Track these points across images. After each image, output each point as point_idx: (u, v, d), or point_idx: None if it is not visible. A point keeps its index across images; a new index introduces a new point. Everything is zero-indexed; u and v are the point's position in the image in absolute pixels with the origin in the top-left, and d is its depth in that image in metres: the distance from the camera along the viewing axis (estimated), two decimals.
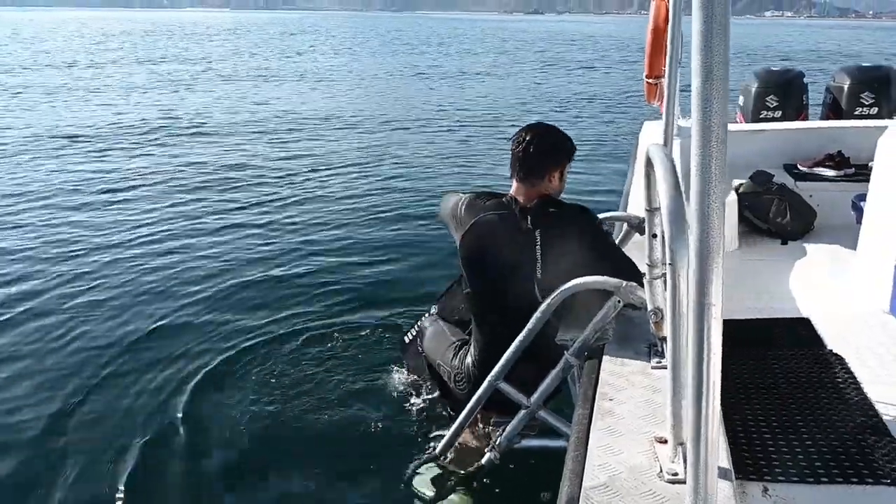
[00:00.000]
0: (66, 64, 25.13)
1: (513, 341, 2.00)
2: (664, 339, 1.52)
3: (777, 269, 3.19)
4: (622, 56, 31.87)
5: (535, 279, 2.20)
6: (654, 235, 1.44)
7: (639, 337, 1.61)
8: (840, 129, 4.23)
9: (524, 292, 2.17)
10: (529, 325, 1.81)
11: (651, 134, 4.29)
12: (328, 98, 16.69)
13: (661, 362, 1.52)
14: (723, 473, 1.12)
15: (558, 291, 1.75)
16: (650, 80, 3.85)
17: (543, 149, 2.34)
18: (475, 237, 2.31)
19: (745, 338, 2.44)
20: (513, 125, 10.90)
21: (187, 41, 43.44)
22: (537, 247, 2.21)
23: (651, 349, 1.55)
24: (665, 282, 1.51)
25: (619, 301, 1.66)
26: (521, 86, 19.81)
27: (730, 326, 2.51)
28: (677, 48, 3.85)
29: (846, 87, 5.18)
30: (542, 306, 1.79)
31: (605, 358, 1.57)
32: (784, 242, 3.61)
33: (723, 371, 2.14)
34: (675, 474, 1.19)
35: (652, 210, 1.42)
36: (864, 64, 5.40)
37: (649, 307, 1.51)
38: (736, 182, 3.82)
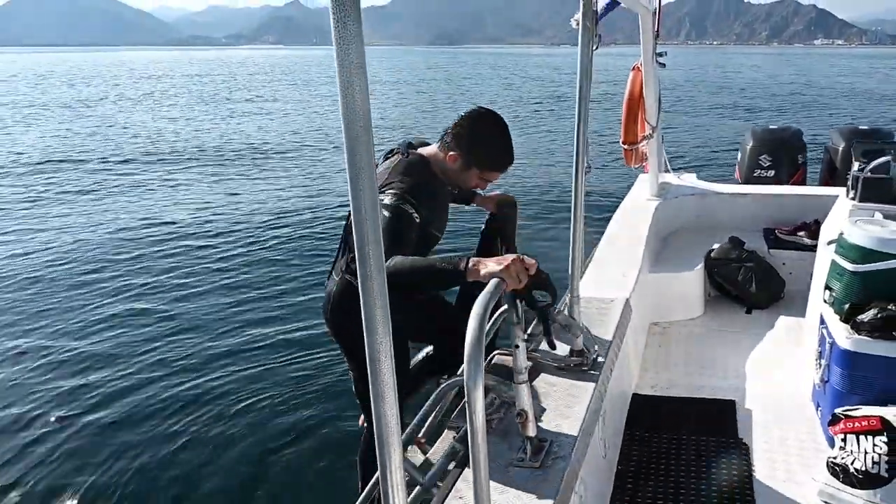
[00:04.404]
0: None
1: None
2: (530, 439, 1.66)
3: (731, 342, 3.22)
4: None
5: None
6: (517, 346, 1.57)
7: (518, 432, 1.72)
8: (819, 197, 4.22)
9: None
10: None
11: (641, 188, 4.41)
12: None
13: (523, 461, 1.64)
14: None
15: None
16: (626, 146, 4.01)
17: (462, 125, 2.20)
18: None
19: (669, 419, 2.53)
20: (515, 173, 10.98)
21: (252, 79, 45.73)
22: None
23: (523, 446, 1.67)
24: (530, 386, 1.65)
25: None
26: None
27: (662, 403, 2.64)
28: (653, 113, 3.99)
29: (840, 149, 5.17)
30: None
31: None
32: (748, 311, 3.63)
33: (633, 452, 2.27)
34: None
35: (513, 324, 1.56)
36: (861, 126, 5.41)
37: (516, 409, 1.64)
38: (715, 245, 3.89)
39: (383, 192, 2.05)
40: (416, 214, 2.02)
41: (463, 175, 2.24)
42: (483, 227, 2.61)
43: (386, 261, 1.86)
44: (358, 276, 0.92)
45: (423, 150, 2.28)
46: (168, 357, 4.58)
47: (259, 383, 4.20)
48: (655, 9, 3.48)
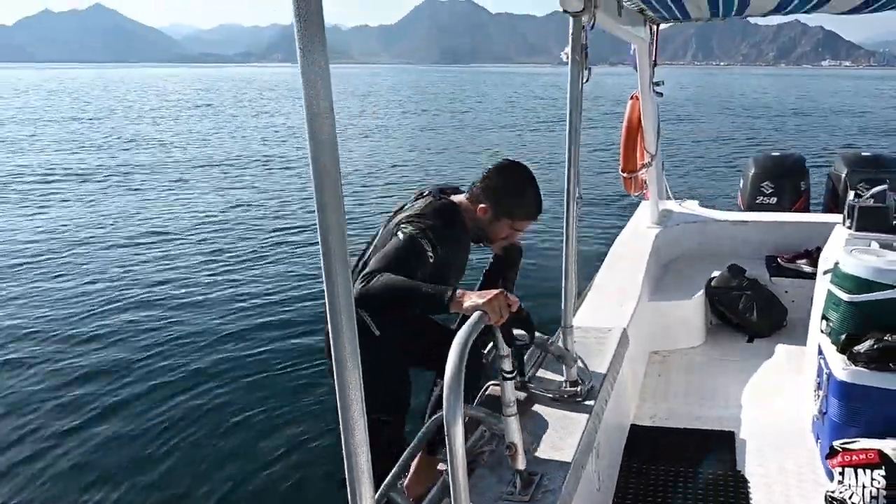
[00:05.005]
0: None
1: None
2: (520, 472, 1.65)
3: (732, 371, 3.18)
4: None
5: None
6: (505, 379, 1.58)
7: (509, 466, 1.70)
8: (820, 225, 4.19)
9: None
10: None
11: (643, 215, 4.40)
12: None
13: (512, 494, 1.62)
14: None
15: None
16: (625, 175, 4.02)
17: (491, 178, 2.26)
18: None
19: (667, 450, 2.50)
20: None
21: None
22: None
23: (513, 479, 1.66)
24: (518, 419, 1.64)
25: None
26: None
27: (661, 435, 2.62)
28: (652, 142, 4.01)
29: (843, 175, 5.15)
30: None
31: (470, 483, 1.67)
32: (750, 340, 3.58)
33: (630, 484, 2.24)
34: None
35: (500, 357, 1.58)
36: (864, 153, 5.39)
37: (506, 441, 1.63)
38: (715, 273, 3.86)
39: (410, 222, 2.09)
40: (430, 252, 2.04)
41: (493, 226, 2.28)
42: (487, 266, 2.67)
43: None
44: (326, 304, 0.91)
45: (454, 198, 2.32)
46: (164, 369, 4.58)
47: (255, 396, 4.19)
48: (652, 39, 3.52)
